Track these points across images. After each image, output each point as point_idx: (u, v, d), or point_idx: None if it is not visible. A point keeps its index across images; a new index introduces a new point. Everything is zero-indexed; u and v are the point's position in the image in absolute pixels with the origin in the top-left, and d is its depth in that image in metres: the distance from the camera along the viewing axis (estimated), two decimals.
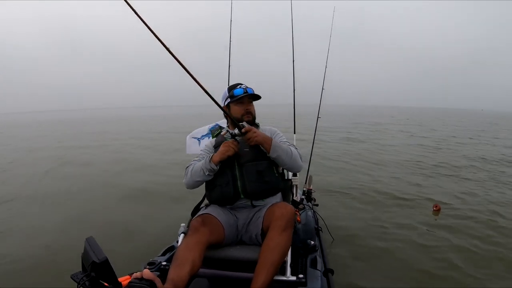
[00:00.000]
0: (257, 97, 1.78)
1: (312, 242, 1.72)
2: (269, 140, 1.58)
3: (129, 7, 1.33)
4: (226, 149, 1.57)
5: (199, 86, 1.45)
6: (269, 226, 1.43)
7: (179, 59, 1.40)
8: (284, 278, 1.36)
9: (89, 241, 1.02)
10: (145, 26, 1.34)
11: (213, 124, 2.06)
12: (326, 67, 3.59)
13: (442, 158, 7.42)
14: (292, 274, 1.37)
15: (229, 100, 1.75)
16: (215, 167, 1.59)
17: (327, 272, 1.49)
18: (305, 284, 1.35)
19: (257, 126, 1.81)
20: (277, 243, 1.37)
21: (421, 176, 5.59)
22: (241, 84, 1.76)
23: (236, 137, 1.64)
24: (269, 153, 1.58)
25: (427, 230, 3.18)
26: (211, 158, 1.59)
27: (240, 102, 1.73)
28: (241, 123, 1.63)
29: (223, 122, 2.03)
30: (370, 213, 3.62)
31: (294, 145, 1.72)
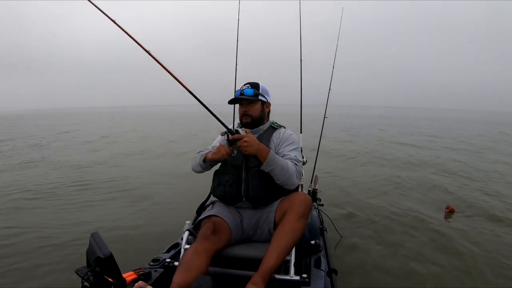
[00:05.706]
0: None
1: (317, 242, 1.72)
2: (263, 152, 1.47)
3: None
4: (216, 151, 1.55)
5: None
6: (286, 211, 1.44)
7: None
8: (287, 277, 1.35)
9: (94, 236, 1.04)
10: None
11: None
12: (333, 67, 3.57)
13: None
14: (296, 273, 1.37)
15: None
16: (204, 164, 1.64)
17: (331, 272, 1.48)
18: (308, 284, 1.34)
19: (274, 127, 1.72)
20: (292, 227, 1.39)
21: None
22: (247, 85, 1.70)
23: (231, 144, 1.52)
24: (262, 165, 1.49)
25: (437, 232, 3.11)
26: (205, 154, 1.63)
27: (240, 103, 1.70)
28: (236, 129, 1.54)
29: None
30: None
31: (297, 159, 1.59)
